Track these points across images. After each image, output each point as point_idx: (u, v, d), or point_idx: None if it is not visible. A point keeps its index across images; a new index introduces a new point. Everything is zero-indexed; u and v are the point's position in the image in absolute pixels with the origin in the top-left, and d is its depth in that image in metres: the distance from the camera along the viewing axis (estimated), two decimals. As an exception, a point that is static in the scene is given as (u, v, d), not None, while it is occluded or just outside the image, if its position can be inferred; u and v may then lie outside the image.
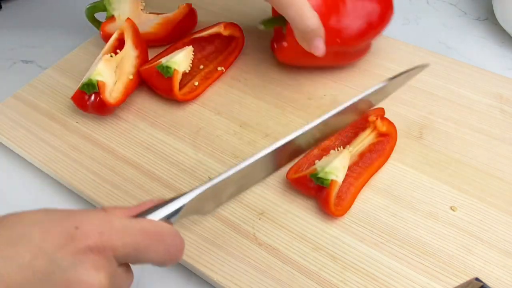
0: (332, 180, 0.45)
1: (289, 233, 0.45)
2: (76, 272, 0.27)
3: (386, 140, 0.50)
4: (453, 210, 0.46)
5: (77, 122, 0.55)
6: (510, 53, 0.65)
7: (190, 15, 0.63)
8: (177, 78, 0.54)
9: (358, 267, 0.42)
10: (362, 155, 0.49)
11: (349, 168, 0.47)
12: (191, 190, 0.35)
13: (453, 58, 0.61)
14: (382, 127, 0.49)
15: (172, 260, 0.33)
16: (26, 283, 0.27)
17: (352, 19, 0.52)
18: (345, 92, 0.57)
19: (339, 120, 0.45)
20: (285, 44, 0.54)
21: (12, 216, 0.29)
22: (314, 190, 0.46)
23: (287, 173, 0.48)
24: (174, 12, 0.62)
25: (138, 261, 0.31)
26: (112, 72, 0.53)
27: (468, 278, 0.38)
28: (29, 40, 0.68)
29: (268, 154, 0.39)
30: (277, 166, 0.42)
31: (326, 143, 0.50)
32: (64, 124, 0.54)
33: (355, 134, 0.50)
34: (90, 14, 0.61)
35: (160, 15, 0.62)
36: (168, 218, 0.33)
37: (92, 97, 0.52)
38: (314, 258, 0.43)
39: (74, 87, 0.57)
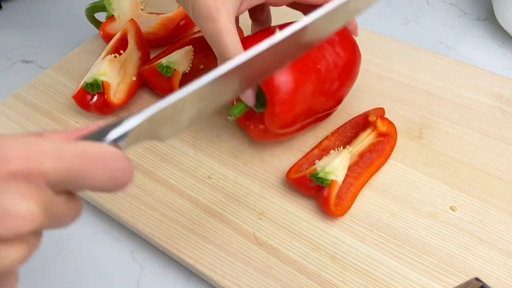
0: (332, 180, 0.45)
1: (289, 233, 0.45)
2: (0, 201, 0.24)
3: (386, 140, 0.50)
4: (453, 210, 0.46)
5: (77, 122, 0.55)
6: (510, 53, 0.65)
7: None
8: (177, 78, 0.54)
9: (358, 267, 0.42)
10: (362, 155, 0.49)
11: (349, 168, 0.47)
12: (141, 112, 0.31)
13: (453, 58, 0.61)
14: (382, 127, 0.49)
15: (118, 185, 0.29)
16: None
17: (327, 97, 0.48)
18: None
19: (312, 33, 0.39)
20: (261, 127, 0.48)
21: None
22: (314, 190, 0.46)
23: (287, 173, 0.48)
24: (174, 12, 0.62)
25: (78, 186, 0.27)
26: (116, 73, 0.54)
27: (468, 278, 0.38)
28: (29, 40, 0.68)
29: (233, 69, 0.34)
30: (244, 86, 0.38)
31: (326, 143, 0.50)
32: (64, 124, 0.54)
33: (355, 134, 0.50)
34: (90, 14, 0.61)
35: (160, 15, 0.62)
36: (115, 142, 0.29)
37: (95, 97, 0.52)
38: (314, 258, 0.43)
39: (74, 87, 0.57)
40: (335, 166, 0.45)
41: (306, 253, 0.43)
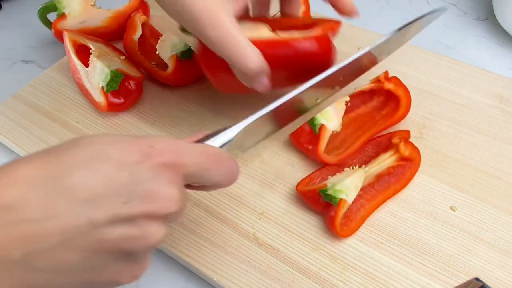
0: (341, 199, 0.43)
1: (289, 233, 0.45)
2: (155, 184, 0.29)
3: (407, 165, 0.47)
4: (453, 210, 0.46)
5: (77, 122, 0.55)
6: (510, 53, 0.65)
7: (142, 7, 0.63)
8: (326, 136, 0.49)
9: (358, 267, 0.42)
10: (379, 177, 0.46)
11: (362, 189, 0.45)
12: (236, 124, 0.38)
13: (453, 58, 0.61)
14: (404, 151, 0.47)
15: (230, 180, 0.35)
16: (112, 194, 0.27)
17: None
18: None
19: (346, 73, 0.45)
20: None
21: (83, 138, 0.30)
22: (322, 206, 0.45)
23: (297, 185, 0.47)
24: (125, 5, 0.62)
25: (202, 180, 0.33)
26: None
27: (468, 278, 0.38)
28: (29, 40, 0.68)
29: (294, 97, 0.41)
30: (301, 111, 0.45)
31: (343, 158, 0.48)
32: (64, 124, 0.54)
33: (376, 154, 0.48)
34: (43, 15, 0.61)
35: (111, 9, 0.62)
36: (222, 147, 0.36)
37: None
38: (314, 258, 0.43)
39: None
40: (347, 185, 0.43)
41: (306, 253, 0.43)
